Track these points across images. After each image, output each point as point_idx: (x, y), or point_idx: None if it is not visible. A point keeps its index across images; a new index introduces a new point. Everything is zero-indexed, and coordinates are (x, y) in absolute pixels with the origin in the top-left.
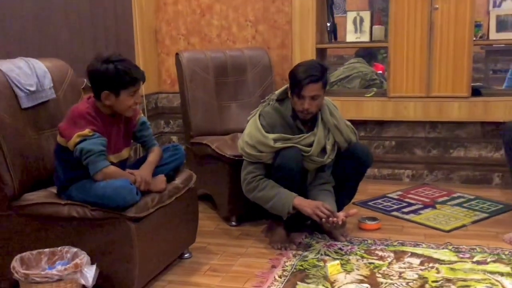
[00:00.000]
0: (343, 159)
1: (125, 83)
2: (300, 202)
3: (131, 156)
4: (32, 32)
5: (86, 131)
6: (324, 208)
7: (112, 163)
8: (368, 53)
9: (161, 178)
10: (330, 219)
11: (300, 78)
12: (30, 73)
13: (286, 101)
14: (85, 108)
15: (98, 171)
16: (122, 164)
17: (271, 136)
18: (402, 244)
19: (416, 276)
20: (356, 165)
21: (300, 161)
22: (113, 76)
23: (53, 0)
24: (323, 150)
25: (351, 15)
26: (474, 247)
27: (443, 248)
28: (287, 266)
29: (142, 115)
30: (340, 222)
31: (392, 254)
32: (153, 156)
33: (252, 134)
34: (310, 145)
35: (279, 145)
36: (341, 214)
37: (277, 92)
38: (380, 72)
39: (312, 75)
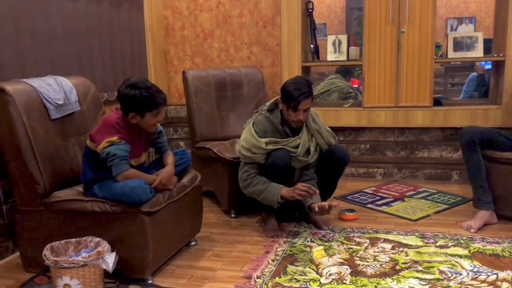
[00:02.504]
0: (325, 159)
1: (149, 107)
2: (286, 191)
3: (147, 160)
4: (60, 55)
5: (115, 138)
6: (301, 186)
7: (132, 166)
8: (346, 70)
9: (174, 179)
10: (319, 203)
11: (295, 96)
12: (58, 89)
13: (275, 111)
14: (115, 118)
15: (119, 173)
16: (140, 167)
17: (263, 140)
18: (376, 232)
19: (388, 258)
20: (336, 164)
21: (288, 160)
22: (139, 101)
23: (77, 28)
24: (308, 151)
25: (331, 38)
26: (437, 233)
27: (411, 235)
28: (278, 251)
29: (159, 125)
30: (326, 207)
31: (367, 240)
32: (171, 160)
33: (247, 139)
34: (297, 147)
35: (270, 147)
36: (326, 203)
37: (268, 103)
38: (356, 86)
39: (305, 92)
